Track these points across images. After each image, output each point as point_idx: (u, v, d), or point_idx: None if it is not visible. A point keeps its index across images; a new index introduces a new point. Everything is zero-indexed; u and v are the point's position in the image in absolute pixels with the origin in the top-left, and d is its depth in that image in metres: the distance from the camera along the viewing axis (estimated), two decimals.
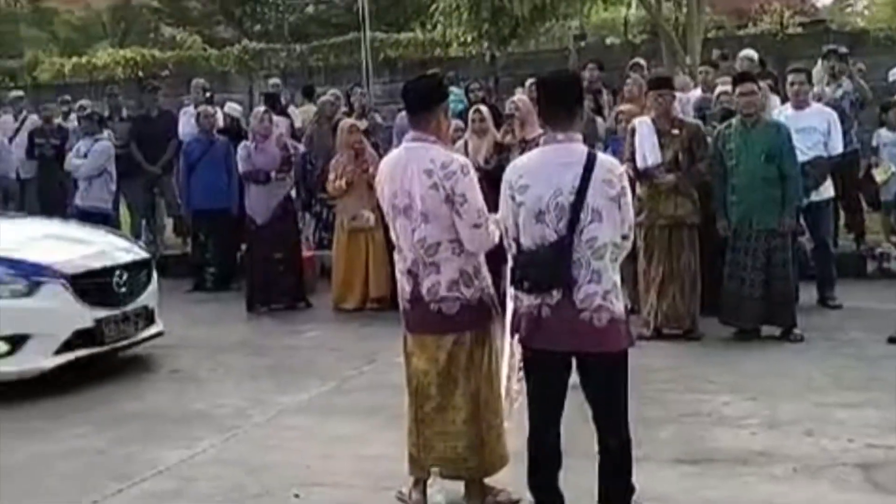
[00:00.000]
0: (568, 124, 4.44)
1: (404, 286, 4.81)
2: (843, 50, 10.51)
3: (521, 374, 4.87)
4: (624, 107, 9.20)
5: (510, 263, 4.63)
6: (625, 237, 4.45)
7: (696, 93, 10.30)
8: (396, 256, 4.86)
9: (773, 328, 7.79)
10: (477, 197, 4.63)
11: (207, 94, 13.17)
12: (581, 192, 4.29)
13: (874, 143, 10.16)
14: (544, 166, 4.40)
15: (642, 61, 11.94)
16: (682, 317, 7.91)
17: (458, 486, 4.84)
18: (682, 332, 7.91)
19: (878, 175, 9.96)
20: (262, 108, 10.57)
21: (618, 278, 4.43)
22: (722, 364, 7.20)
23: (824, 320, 8.26)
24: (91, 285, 7.56)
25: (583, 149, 4.41)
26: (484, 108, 9.69)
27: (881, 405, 6.11)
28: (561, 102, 4.48)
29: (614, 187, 4.33)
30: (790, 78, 8.91)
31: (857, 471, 5.13)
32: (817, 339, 7.67)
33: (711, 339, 7.82)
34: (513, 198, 4.43)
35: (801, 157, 8.03)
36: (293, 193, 10.48)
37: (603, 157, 4.46)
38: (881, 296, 8.64)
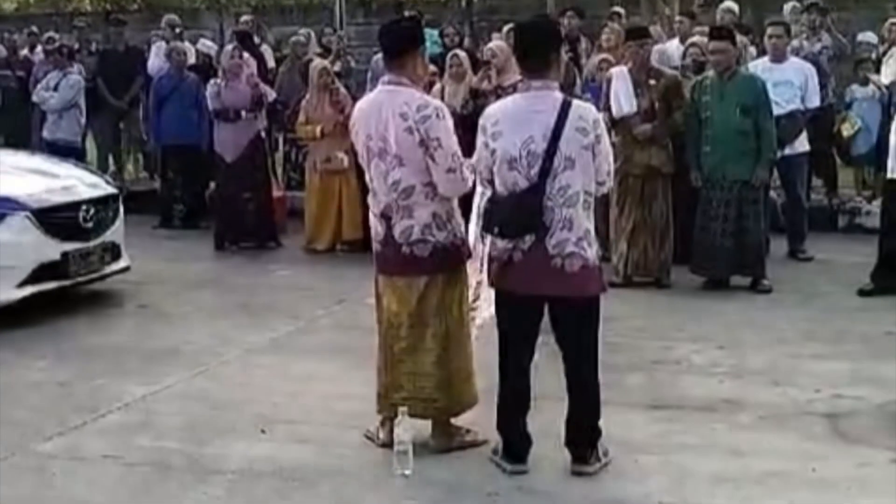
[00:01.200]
0: (544, 71, 4.45)
1: (377, 229, 4.79)
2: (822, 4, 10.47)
3: (480, 303, 4.90)
4: (605, 55, 9.13)
5: (476, 204, 4.64)
6: (601, 183, 4.45)
7: (675, 43, 10.23)
8: (370, 199, 4.83)
9: (742, 279, 7.81)
10: (451, 141, 4.61)
11: (177, 31, 12.97)
12: (554, 139, 4.31)
13: (847, 98, 10.17)
14: (518, 114, 4.42)
15: (621, 10, 11.85)
16: (653, 265, 7.91)
17: (426, 426, 4.84)
18: (652, 280, 7.92)
19: (845, 130, 10.00)
20: (232, 46, 10.42)
21: (591, 225, 4.45)
22: (692, 313, 7.22)
23: (794, 273, 8.29)
24: (57, 219, 7.50)
25: (558, 96, 4.43)
26: (462, 53, 9.61)
27: (849, 357, 6.16)
28: (538, 49, 4.49)
29: (588, 135, 4.35)
30: (769, 31, 8.87)
31: (823, 420, 5.18)
32: (787, 291, 7.70)
33: (681, 288, 7.83)
34: (486, 144, 4.45)
35: (777, 111, 8.00)
36: (263, 133, 10.36)
37: (578, 105, 4.47)
38: (852, 249, 8.66)
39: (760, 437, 4.99)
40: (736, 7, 10.72)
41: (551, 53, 4.50)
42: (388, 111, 4.61)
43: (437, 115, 4.59)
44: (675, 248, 7.94)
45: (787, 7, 10.84)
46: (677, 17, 11.22)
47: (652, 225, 7.87)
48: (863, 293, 7.49)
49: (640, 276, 7.95)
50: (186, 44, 11.80)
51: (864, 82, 10.02)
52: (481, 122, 4.55)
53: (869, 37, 10.95)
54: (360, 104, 4.94)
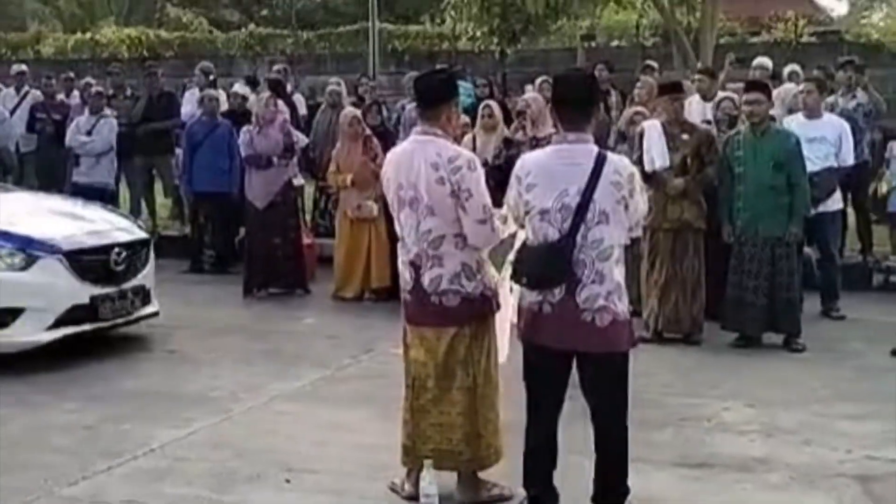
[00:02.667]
0: (581, 124, 4.46)
1: (406, 278, 4.78)
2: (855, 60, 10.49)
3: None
4: (639, 108, 9.13)
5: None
6: (630, 230, 4.45)
7: (696, 98, 10.20)
8: (399, 248, 4.83)
9: (775, 337, 7.73)
10: (483, 192, 4.61)
11: (211, 78, 13.13)
12: (588, 193, 4.30)
13: (886, 155, 10.12)
14: (553, 166, 4.42)
15: (654, 64, 11.89)
16: (684, 321, 7.84)
17: (451, 479, 4.79)
18: (682, 336, 7.85)
19: (882, 187, 9.96)
20: (267, 94, 10.52)
21: (622, 279, 4.41)
22: (722, 370, 7.15)
23: (827, 331, 8.21)
24: (88, 262, 7.55)
25: (592, 149, 4.42)
26: (494, 104, 9.61)
27: (882, 417, 6.06)
28: (576, 101, 4.50)
29: (622, 189, 4.35)
30: (801, 87, 8.86)
31: (855, 482, 5.09)
32: (819, 350, 7.61)
33: (712, 345, 7.76)
34: (520, 194, 4.45)
35: (811, 168, 7.97)
36: (296, 181, 10.41)
37: (613, 158, 4.47)
38: (886, 308, 8.59)
39: (791, 498, 4.92)
40: (769, 63, 10.72)
41: (588, 106, 4.52)
42: (419, 161, 4.63)
43: (469, 167, 4.60)
44: (706, 304, 7.87)
45: (786, 70, 10.79)
46: (696, 76, 11.18)
47: (683, 280, 7.82)
48: None
49: (670, 331, 7.88)
50: (220, 91, 11.92)
51: None
52: (515, 171, 4.55)
53: None
54: (391, 154, 4.96)
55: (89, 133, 11.44)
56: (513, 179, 4.53)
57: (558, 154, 4.46)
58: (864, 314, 8.65)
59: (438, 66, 10.85)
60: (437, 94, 4.77)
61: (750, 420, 6.05)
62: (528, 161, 4.58)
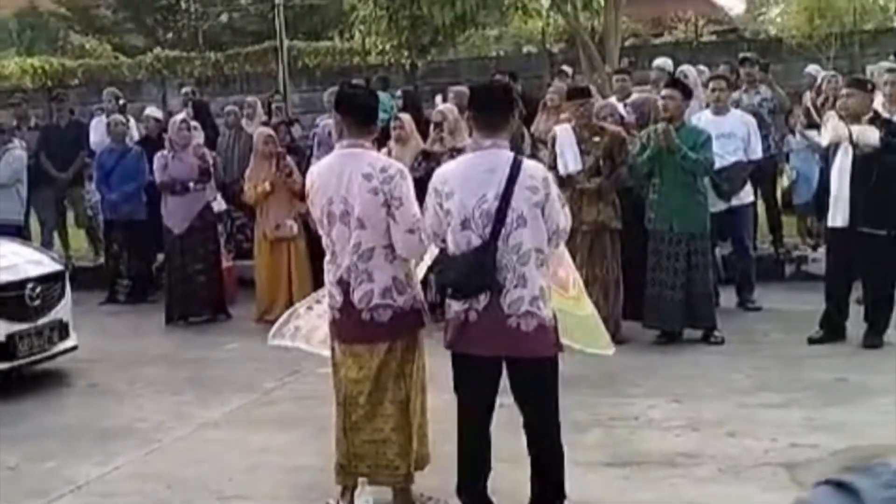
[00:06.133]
0: (497, 131, 4.52)
1: (335, 296, 4.78)
2: (755, 57, 10.72)
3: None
4: (564, 115, 9.18)
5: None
6: (553, 239, 4.48)
7: (612, 100, 10.33)
8: (327, 265, 4.83)
9: (695, 332, 7.85)
10: (413, 201, 4.67)
11: (120, 103, 12.93)
12: (505, 197, 4.34)
13: (785, 149, 10.37)
14: (469, 173, 4.47)
15: (567, 69, 12.03)
16: (605, 321, 7.90)
17: (385, 495, 4.77)
18: None
19: (783, 181, 10.20)
20: (180, 117, 10.37)
21: (546, 284, 4.45)
22: (646, 367, 7.24)
23: (744, 323, 8.37)
24: (2, 299, 7.36)
25: (508, 155, 4.48)
26: (405, 116, 9.60)
27: (803, 405, 6.20)
28: (493, 110, 4.57)
29: (538, 193, 4.39)
30: (711, 84, 9.02)
31: (782, 470, 5.19)
32: (738, 342, 7.76)
33: (635, 343, 7.84)
34: (440, 205, 4.46)
35: (721, 163, 8.12)
36: (216, 206, 10.28)
37: (528, 163, 4.54)
38: (800, 297, 8.74)
39: (720, 490, 5.00)
40: (669, 63, 10.87)
41: (506, 114, 4.61)
42: (350, 173, 4.64)
43: (401, 175, 4.67)
44: (626, 303, 7.97)
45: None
46: (616, 76, 11.35)
47: (603, 281, 7.90)
48: (812, 341, 7.57)
49: None
50: (129, 117, 11.74)
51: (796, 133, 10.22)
52: (432, 184, 4.59)
53: (813, 69, 11.26)
54: (316, 169, 4.97)
55: None
56: (430, 194, 4.56)
57: (474, 161, 4.52)
58: (779, 304, 8.82)
59: (354, 81, 10.84)
60: (369, 110, 4.84)
61: (675, 415, 6.14)
62: (444, 171, 4.63)
